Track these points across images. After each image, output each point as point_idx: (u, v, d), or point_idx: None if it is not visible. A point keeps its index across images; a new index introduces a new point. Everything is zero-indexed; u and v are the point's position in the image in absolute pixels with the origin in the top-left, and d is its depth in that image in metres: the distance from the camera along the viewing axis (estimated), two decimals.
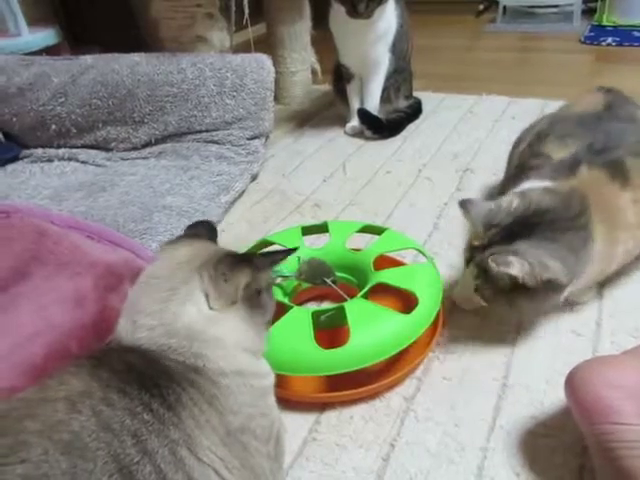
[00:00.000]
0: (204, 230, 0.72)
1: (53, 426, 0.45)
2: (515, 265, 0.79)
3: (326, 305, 1.06)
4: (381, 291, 0.94)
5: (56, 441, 0.44)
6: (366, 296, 0.91)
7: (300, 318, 0.86)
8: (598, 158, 0.92)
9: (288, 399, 0.82)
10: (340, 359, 0.82)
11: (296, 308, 0.90)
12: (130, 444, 0.46)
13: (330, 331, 0.89)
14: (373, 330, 0.85)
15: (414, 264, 1.03)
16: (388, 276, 0.94)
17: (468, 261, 0.91)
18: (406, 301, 0.96)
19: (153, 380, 0.52)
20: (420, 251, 1.04)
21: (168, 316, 0.57)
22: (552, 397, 0.83)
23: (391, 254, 1.05)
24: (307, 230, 1.09)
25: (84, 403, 0.47)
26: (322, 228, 1.10)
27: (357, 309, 0.87)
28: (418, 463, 0.76)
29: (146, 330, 0.56)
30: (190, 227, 0.74)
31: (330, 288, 0.97)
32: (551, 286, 0.82)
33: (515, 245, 0.83)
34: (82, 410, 0.47)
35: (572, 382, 0.70)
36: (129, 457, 0.45)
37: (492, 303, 0.90)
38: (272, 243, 1.04)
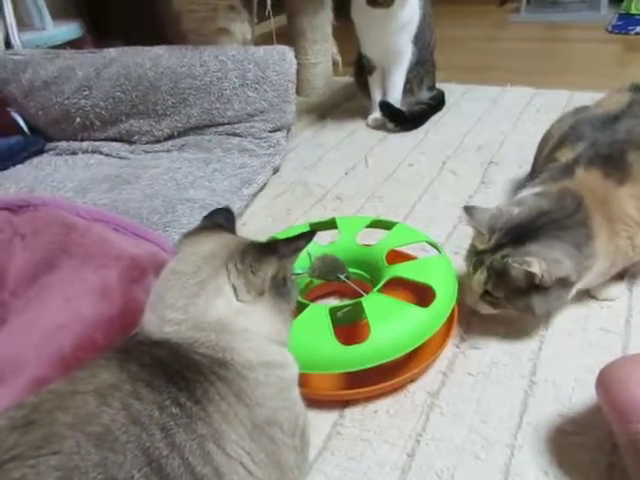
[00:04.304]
0: (222, 219, 0.71)
1: (84, 419, 0.45)
2: (535, 264, 0.82)
3: (335, 301, 1.04)
4: (394, 285, 0.93)
5: (87, 433, 0.44)
6: (381, 291, 0.90)
7: (318, 315, 0.85)
8: (597, 155, 0.93)
9: (310, 397, 0.81)
10: (362, 354, 0.81)
11: (313, 305, 0.89)
12: (159, 437, 0.46)
13: (347, 327, 0.88)
14: (394, 324, 0.84)
15: (428, 257, 1.01)
16: (403, 270, 0.94)
17: (476, 266, 0.90)
18: (420, 294, 0.95)
19: (181, 374, 0.52)
20: (432, 244, 1.03)
21: (197, 310, 0.57)
22: (580, 394, 0.82)
23: (402, 248, 1.04)
24: (315, 227, 1.07)
25: (114, 396, 0.48)
26: (330, 224, 1.09)
27: (375, 304, 0.87)
28: (444, 459, 0.75)
29: (175, 324, 0.56)
30: (207, 216, 0.73)
31: (343, 284, 0.96)
32: (562, 283, 0.85)
33: (527, 247, 0.85)
34: (112, 403, 0.47)
35: (604, 380, 0.69)
36: (158, 450, 0.46)
37: (500, 308, 0.91)
38: None
